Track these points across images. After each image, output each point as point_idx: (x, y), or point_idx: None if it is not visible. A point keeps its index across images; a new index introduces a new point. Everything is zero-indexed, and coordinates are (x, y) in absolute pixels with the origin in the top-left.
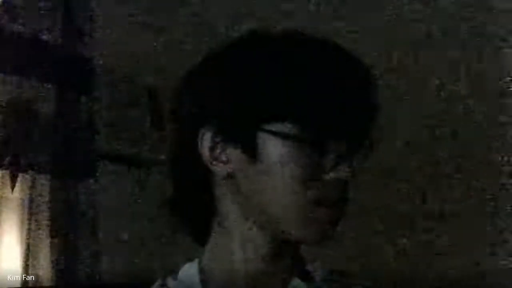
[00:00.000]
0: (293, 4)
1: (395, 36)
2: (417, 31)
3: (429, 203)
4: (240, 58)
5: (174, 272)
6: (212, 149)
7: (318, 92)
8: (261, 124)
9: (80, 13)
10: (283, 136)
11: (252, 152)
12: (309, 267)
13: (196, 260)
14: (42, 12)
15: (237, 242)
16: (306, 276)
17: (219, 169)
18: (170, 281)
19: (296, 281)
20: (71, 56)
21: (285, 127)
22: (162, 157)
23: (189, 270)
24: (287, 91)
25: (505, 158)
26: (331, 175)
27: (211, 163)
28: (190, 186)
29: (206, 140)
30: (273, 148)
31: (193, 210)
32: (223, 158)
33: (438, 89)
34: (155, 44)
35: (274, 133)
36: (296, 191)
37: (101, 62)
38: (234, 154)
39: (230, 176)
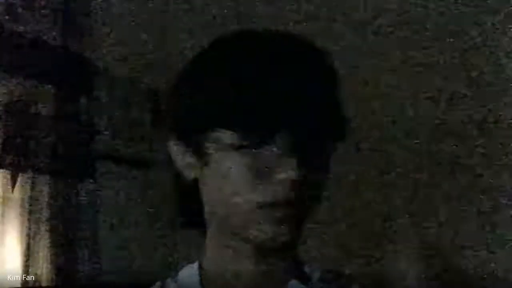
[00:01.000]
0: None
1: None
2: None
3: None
4: (191, 67)
5: (174, 273)
6: (177, 154)
7: (255, 97)
8: (207, 131)
9: (80, 13)
10: (225, 143)
11: (203, 158)
12: (306, 268)
13: (196, 262)
14: (42, 12)
15: (224, 244)
16: (303, 277)
17: (186, 174)
18: (170, 283)
19: (293, 282)
20: (71, 56)
21: (226, 134)
22: (162, 157)
23: (189, 272)
24: (226, 98)
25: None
26: (278, 176)
27: (178, 168)
28: (181, 187)
29: (172, 146)
30: (219, 154)
31: (188, 210)
32: (186, 163)
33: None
34: (154, 44)
35: (218, 141)
36: (245, 195)
37: (101, 62)
38: (192, 160)
39: (195, 181)
